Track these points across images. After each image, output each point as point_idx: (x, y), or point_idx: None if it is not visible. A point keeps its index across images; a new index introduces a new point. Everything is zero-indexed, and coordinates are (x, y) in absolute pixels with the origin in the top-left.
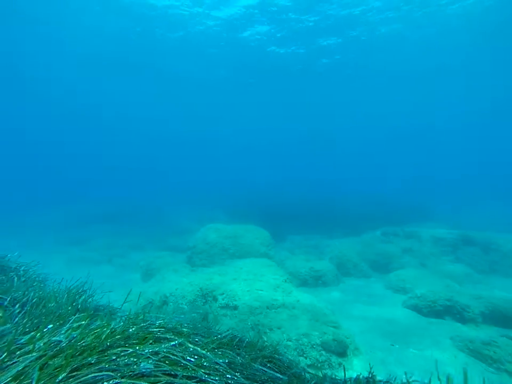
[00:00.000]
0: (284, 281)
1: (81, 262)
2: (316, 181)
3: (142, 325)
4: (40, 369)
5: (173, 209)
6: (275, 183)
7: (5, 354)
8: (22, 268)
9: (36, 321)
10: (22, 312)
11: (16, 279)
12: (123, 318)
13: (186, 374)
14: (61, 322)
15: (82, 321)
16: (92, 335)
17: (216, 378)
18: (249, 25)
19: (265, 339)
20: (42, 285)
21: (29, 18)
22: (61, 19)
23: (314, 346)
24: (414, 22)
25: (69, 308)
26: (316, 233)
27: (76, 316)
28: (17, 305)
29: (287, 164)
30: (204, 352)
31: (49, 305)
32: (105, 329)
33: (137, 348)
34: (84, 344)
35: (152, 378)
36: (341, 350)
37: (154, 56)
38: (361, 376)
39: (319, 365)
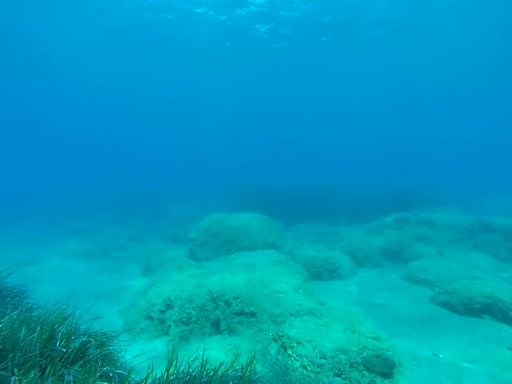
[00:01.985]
0: (304, 281)
1: (77, 256)
2: (319, 167)
3: None
4: None
5: (172, 198)
6: (276, 170)
7: None
8: None
9: None
10: None
11: None
12: None
13: None
14: None
15: None
16: None
17: None
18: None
19: (291, 353)
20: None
21: None
22: None
23: (354, 365)
24: None
25: (38, 353)
26: (320, 220)
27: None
28: None
29: (287, 150)
30: None
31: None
32: None
33: None
34: None
35: None
36: (386, 370)
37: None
38: None
39: None
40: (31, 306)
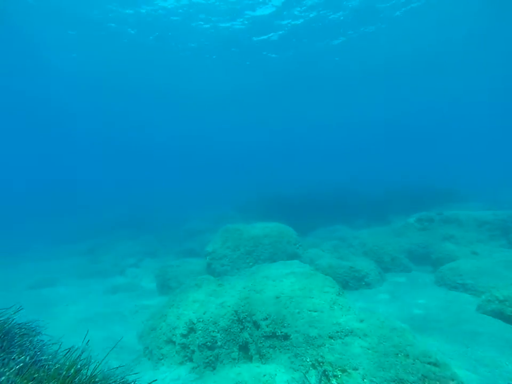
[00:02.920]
0: (337, 295)
1: (92, 275)
2: (334, 169)
3: None
4: None
5: (184, 210)
6: (289, 176)
7: None
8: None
9: None
10: None
11: None
12: None
13: None
14: None
15: None
16: None
17: None
18: None
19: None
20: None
21: None
22: None
23: None
24: None
25: None
26: (337, 223)
27: None
28: None
29: (299, 155)
30: None
31: None
32: None
33: None
34: None
35: None
36: None
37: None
38: None
39: None
40: (43, 345)
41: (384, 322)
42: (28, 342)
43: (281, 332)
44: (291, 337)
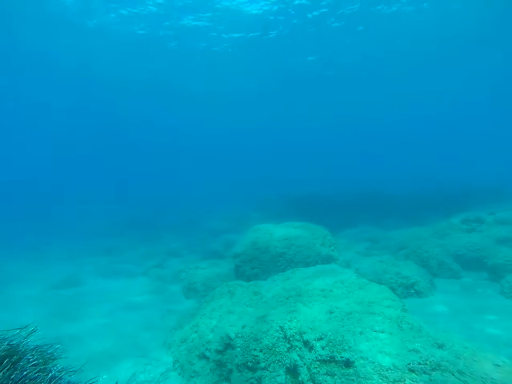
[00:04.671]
0: (402, 310)
1: (116, 276)
2: (359, 168)
3: None
4: None
5: (205, 210)
6: (313, 176)
7: None
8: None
9: None
10: None
11: None
12: None
13: None
14: None
15: None
16: None
17: None
18: None
19: None
20: None
21: None
22: None
23: None
24: None
25: None
26: (366, 224)
27: None
28: None
29: (325, 153)
30: None
31: None
32: None
33: None
34: None
35: None
36: None
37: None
38: None
39: None
40: (59, 378)
41: (473, 348)
42: (42, 374)
43: (341, 357)
44: (355, 364)
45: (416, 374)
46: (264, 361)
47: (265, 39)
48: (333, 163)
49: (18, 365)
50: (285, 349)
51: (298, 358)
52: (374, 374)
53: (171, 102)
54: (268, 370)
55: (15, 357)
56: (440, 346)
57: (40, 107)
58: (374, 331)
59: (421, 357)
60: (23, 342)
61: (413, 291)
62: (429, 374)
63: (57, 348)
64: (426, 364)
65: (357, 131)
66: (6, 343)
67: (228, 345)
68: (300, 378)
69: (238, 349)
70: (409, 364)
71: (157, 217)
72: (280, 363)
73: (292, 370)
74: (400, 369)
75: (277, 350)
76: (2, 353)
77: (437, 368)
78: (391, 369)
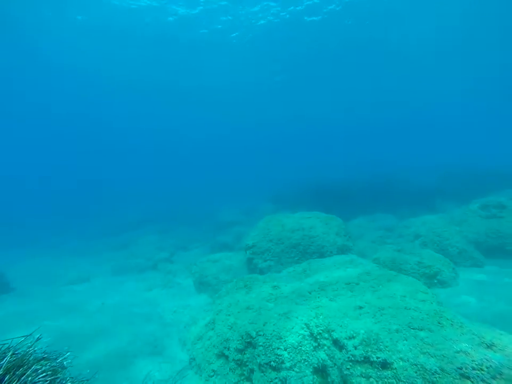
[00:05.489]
0: (438, 304)
1: (126, 271)
2: (371, 154)
3: None
4: None
5: (213, 202)
6: (323, 162)
7: None
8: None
9: None
10: None
11: None
12: None
13: None
14: None
15: None
16: None
17: None
18: None
19: None
20: None
21: None
22: None
23: None
24: None
25: None
26: (379, 211)
27: None
28: None
29: (336, 138)
30: None
31: None
32: None
33: None
34: None
35: None
36: None
37: None
38: None
39: None
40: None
41: None
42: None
43: (377, 358)
44: (394, 366)
45: (473, 382)
46: (289, 361)
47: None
48: (350, 150)
49: (27, 377)
50: (311, 347)
51: (327, 357)
52: (418, 378)
53: (177, 99)
54: (293, 370)
55: (21, 368)
56: (490, 347)
57: (40, 106)
58: (412, 328)
59: (473, 361)
60: (29, 351)
61: (436, 281)
62: (485, 381)
63: (68, 354)
64: (482, 369)
65: (371, 116)
66: (10, 353)
67: (248, 343)
68: (329, 380)
69: (260, 347)
70: (460, 369)
71: (169, 213)
72: (306, 363)
73: (320, 371)
74: (449, 374)
75: (303, 349)
76: (9, 365)
77: (498, 376)
78: (438, 374)
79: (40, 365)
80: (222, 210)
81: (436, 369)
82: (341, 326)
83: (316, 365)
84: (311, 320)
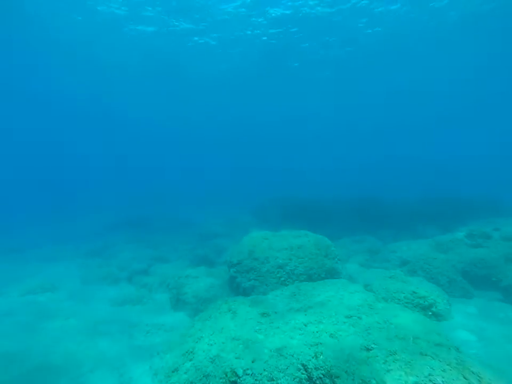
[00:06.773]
0: (457, 350)
1: (97, 281)
2: (355, 175)
3: None
4: None
5: (193, 211)
6: (306, 181)
7: None
8: None
9: None
10: None
11: None
12: None
13: None
14: None
15: None
16: None
17: None
18: None
19: None
20: None
21: None
22: None
23: None
24: None
25: None
26: (361, 233)
27: None
28: None
29: (318, 159)
30: None
31: None
32: None
33: None
34: None
35: None
36: None
37: None
38: None
39: None
40: None
41: None
42: None
43: None
44: None
45: None
46: None
47: None
48: (331, 168)
49: None
50: None
51: None
52: None
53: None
54: None
55: None
56: None
57: (40, 104)
58: (424, 376)
59: None
60: None
61: (430, 313)
62: None
63: None
64: None
65: (356, 133)
66: None
67: (233, 383)
68: None
69: None
70: None
71: (147, 218)
72: None
73: None
74: None
75: None
76: None
77: None
78: None
79: None
80: (203, 221)
81: None
82: (346, 372)
83: None
84: (309, 360)
